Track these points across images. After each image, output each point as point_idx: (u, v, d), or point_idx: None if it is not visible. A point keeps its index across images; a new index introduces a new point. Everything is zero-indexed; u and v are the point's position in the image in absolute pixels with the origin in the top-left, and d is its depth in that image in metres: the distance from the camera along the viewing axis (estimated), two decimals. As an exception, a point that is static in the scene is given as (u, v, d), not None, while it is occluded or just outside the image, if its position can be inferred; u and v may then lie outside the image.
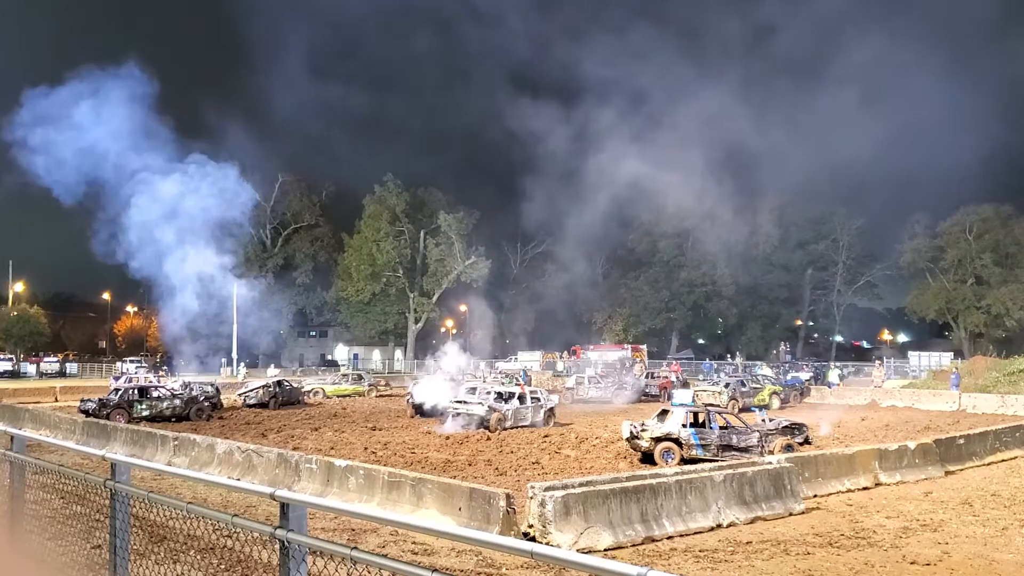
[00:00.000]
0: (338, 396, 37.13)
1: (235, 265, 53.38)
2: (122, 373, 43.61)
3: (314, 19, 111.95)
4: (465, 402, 24.33)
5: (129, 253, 40.05)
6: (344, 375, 42.29)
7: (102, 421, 21.81)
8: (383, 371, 61.38)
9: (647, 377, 39.60)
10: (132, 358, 64.50)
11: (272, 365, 59.30)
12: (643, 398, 35.67)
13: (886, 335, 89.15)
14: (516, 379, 36.26)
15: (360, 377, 41.49)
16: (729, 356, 69.09)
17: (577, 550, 9.00)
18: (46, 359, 61.23)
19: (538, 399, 25.23)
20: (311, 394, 36.58)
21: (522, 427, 23.55)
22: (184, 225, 41.06)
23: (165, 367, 50.90)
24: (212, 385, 31.32)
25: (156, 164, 40.61)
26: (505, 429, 23.02)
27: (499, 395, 24.79)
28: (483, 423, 22.95)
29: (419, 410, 27.37)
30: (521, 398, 24.68)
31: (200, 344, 47.28)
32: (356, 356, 79.09)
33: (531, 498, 10.13)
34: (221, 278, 44.82)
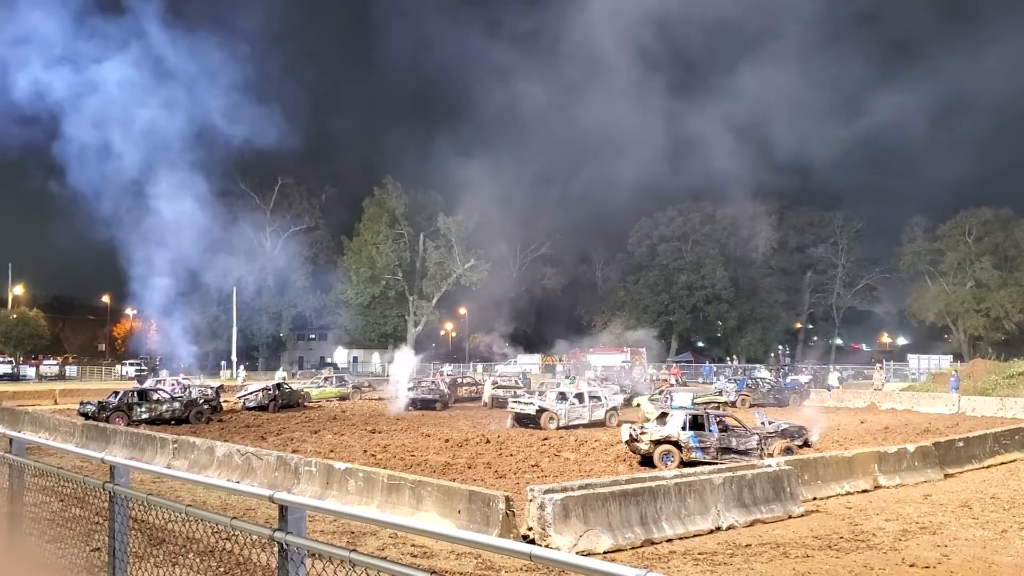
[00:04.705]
0: (323, 399, 37.07)
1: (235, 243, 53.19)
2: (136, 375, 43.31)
3: (312, 17, 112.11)
4: (519, 400, 26.02)
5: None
6: (327, 378, 42.39)
7: (101, 424, 21.81)
8: (382, 374, 61.37)
9: (652, 381, 39.80)
10: (131, 361, 64.48)
11: (281, 368, 59.19)
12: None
13: (885, 338, 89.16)
14: (576, 379, 36.35)
15: (343, 380, 41.67)
16: (728, 359, 69.12)
17: (576, 553, 8.99)
18: (45, 362, 61.17)
19: (598, 398, 25.95)
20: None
21: (579, 425, 24.29)
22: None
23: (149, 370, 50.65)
24: (211, 388, 31.30)
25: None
26: (560, 428, 23.89)
27: (561, 395, 25.71)
28: (534, 420, 24.27)
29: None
30: (579, 397, 25.42)
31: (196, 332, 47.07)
32: (356, 359, 79.04)
33: (530, 501, 10.13)
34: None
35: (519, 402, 25.92)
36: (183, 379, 36.78)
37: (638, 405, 27.96)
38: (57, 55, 37.90)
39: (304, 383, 41.41)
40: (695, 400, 24.97)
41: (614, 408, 25.97)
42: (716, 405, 25.82)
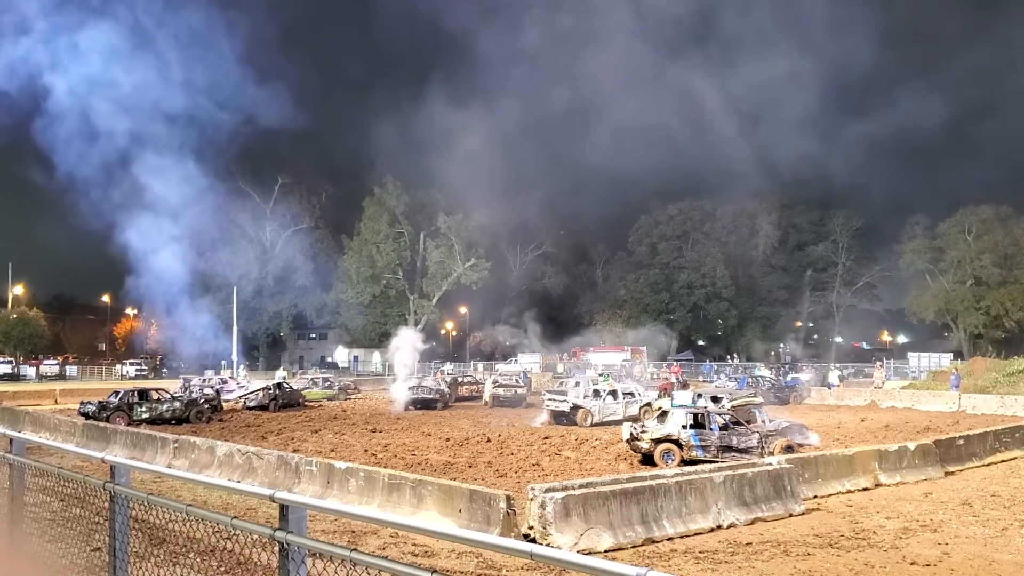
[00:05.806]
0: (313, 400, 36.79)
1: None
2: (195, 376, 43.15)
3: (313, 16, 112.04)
4: (555, 398, 26.61)
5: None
6: (313, 379, 42.29)
7: (102, 424, 21.81)
8: (383, 373, 61.33)
9: (652, 379, 39.88)
10: (132, 360, 64.48)
11: (281, 367, 59.16)
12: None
13: (886, 336, 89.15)
14: (608, 376, 36.48)
15: (328, 381, 41.65)
16: (729, 358, 69.15)
17: (577, 551, 8.99)
18: (46, 362, 61.12)
19: (631, 394, 26.66)
20: None
21: (613, 422, 24.58)
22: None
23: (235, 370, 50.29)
24: (212, 387, 31.29)
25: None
26: (594, 425, 24.45)
27: (596, 391, 26.34)
28: (569, 417, 24.90)
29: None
30: (613, 393, 26.09)
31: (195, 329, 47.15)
32: (356, 358, 79.00)
33: (531, 500, 10.12)
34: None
35: (554, 399, 26.58)
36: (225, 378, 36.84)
37: (658, 408, 27.96)
38: (58, 56, 37.90)
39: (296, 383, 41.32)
40: (732, 401, 24.93)
41: (648, 404, 26.25)
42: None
